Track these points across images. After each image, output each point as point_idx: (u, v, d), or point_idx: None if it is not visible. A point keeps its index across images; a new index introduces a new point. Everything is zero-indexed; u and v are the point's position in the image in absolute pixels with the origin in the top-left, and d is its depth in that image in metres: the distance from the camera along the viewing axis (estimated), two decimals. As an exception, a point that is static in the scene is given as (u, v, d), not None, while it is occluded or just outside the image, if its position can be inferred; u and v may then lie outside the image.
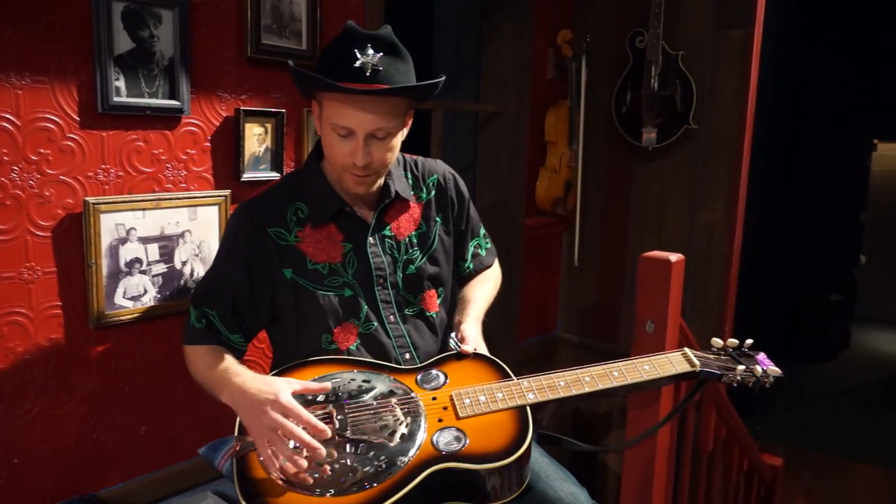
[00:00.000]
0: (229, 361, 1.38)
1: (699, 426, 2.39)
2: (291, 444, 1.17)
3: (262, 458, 1.20)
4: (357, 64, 1.28)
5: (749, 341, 1.50)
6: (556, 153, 3.21)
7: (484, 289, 1.66)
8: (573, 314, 3.54)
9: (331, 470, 1.19)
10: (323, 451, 1.17)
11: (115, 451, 1.74)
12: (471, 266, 1.69)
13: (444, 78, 1.42)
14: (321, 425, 1.19)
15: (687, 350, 1.44)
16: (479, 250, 1.71)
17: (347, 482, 1.16)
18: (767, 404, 4.78)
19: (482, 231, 1.73)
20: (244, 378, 1.30)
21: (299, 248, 1.43)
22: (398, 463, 1.19)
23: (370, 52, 1.29)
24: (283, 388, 1.23)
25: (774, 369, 1.42)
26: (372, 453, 1.21)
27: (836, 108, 5.77)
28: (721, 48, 2.91)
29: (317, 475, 1.18)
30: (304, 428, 1.18)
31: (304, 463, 1.16)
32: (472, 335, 1.47)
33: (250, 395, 1.25)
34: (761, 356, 1.46)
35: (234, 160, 1.89)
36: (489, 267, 1.73)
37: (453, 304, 1.63)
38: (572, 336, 3.54)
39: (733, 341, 1.50)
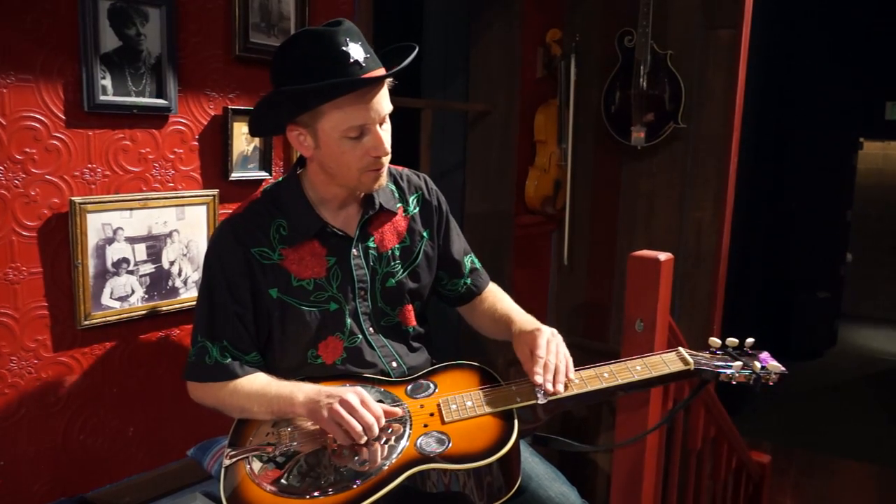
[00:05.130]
0: (272, 379, 1.38)
1: (688, 424, 2.40)
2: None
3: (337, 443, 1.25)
4: (352, 60, 1.27)
5: (750, 340, 1.43)
6: (545, 152, 3.21)
7: (509, 301, 1.64)
8: (562, 313, 3.54)
9: (314, 473, 1.20)
10: (374, 431, 1.23)
11: (102, 453, 1.73)
12: (468, 281, 1.63)
13: (417, 48, 1.39)
14: (371, 420, 1.22)
15: (680, 349, 1.41)
16: (476, 265, 1.66)
17: (328, 483, 1.18)
18: (755, 401, 4.82)
19: (469, 250, 1.69)
20: (310, 384, 1.33)
21: (283, 266, 1.40)
22: (380, 465, 1.20)
23: (352, 46, 1.28)
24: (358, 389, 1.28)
25: (776, 365, 1.35)
26: (356, 457, 1.22)
27: (822, 106, 5.83)
28: (709, 48, 2.93)
29: (297, 478, 1.20)
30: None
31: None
32: (541, 343, 1.39)
33: (328, 389, 1.28)
34: (764, 355, 1.39)
35: (223, 159, 1.88)
36: (486, 288, 1.67)
37: (425, 318, 1.60)
38: (561, 335, 3.53)
39: (733, 341, 1.43)
